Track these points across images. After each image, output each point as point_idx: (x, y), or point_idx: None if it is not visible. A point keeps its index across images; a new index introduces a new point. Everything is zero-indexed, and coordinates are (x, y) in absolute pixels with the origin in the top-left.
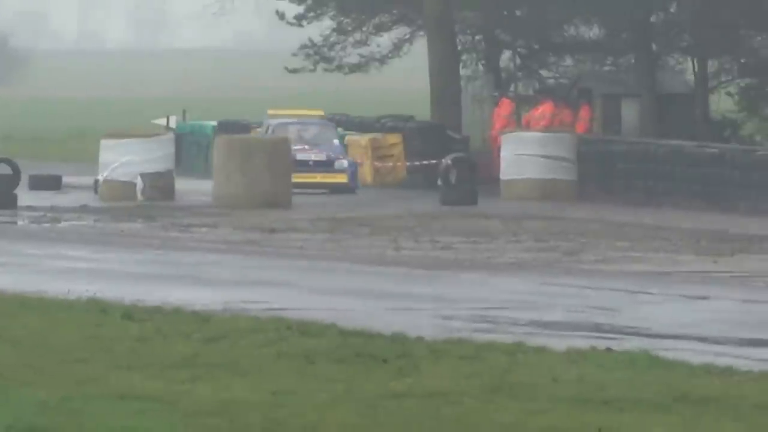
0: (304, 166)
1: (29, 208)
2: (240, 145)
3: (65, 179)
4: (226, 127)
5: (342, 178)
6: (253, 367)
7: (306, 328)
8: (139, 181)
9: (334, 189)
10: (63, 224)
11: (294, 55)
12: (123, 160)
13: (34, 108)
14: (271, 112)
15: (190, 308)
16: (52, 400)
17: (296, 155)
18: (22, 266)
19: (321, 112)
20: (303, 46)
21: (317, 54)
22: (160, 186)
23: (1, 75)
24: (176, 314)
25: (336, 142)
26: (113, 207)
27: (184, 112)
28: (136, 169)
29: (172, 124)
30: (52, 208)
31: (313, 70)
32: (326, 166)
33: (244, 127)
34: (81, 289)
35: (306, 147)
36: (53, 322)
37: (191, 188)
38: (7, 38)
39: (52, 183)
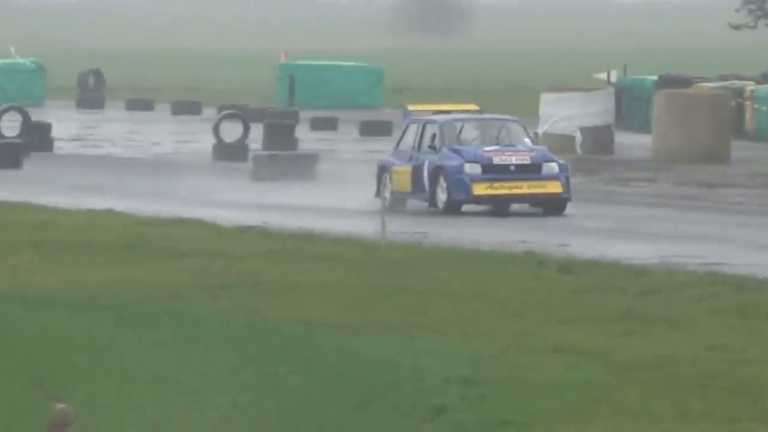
0: (504, 172)
1: None
2: (680, 100)
3: None
4: (666, 82)
5: (555, 188)
6: (687, 321)
7: (742, 283)
8: (578, 135)
9: (544, 202)
10: None
11: (737, 10)
12: (563, 113)
13: (476, 61)
14: (412, 107)
15: (626, 262)
16: (487, 353)
17: (492, 159)
18: None
19: (475, 107)
20: (746, 2)
21: (760, 9)
22: (599, 140)
23: (443, 27)
24: (613, 268)
25: (528, 141)
26: None
27: (624, 66)
28: (576, 123)
29: (613, 78)
30: None
31: (754, 27)
32: (532, 171)
33: (685, 82)
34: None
35: (499, 149)
36: (490, 275)
37: (630, 142)
38: None
39: None
